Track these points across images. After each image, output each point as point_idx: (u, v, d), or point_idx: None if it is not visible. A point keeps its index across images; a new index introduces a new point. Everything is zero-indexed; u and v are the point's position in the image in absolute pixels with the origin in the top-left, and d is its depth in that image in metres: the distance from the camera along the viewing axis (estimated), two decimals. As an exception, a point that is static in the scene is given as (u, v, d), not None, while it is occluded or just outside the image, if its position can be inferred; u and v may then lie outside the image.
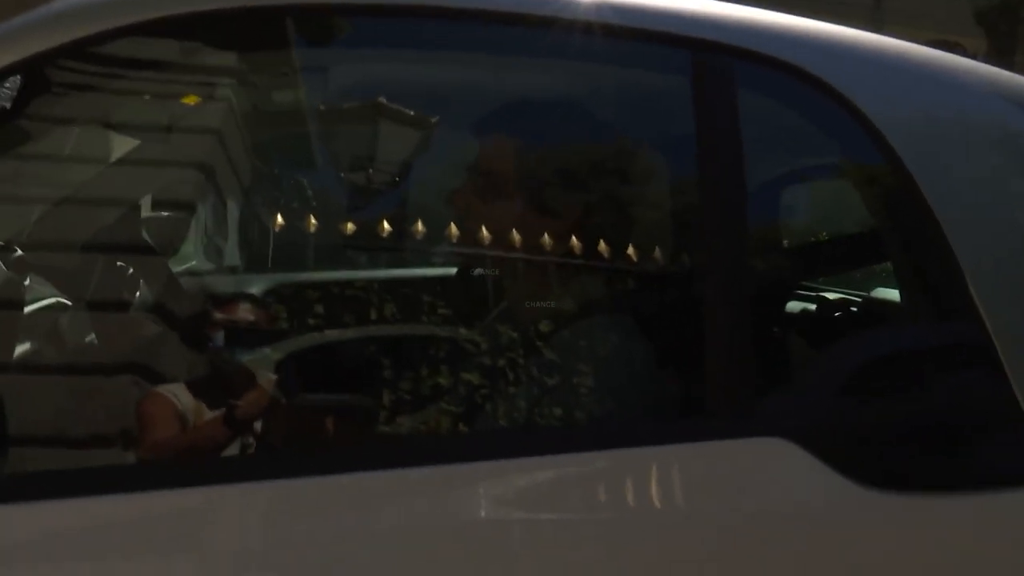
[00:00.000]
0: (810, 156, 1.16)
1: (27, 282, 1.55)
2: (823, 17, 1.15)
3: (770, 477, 0.90)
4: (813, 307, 1.87)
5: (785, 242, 1.69)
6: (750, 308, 0.93)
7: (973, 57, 1.34)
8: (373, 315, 2.24)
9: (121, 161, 1.95)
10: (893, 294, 1.89)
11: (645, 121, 1.30)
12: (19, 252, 1.58)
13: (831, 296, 2.02)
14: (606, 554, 0.87)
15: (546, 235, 1.21)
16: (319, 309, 2.27)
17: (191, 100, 1.96)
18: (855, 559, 0.92)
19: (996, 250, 1.06)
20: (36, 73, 0.96)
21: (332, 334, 2.23)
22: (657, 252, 1.20)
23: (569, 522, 0.89)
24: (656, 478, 0.90)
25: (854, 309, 1.94)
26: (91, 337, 1.51)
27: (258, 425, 1.68)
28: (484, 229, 1.22)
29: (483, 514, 0.90)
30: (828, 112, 1.05)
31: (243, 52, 1.26)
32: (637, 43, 1.00)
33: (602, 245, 1.24)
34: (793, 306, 1.84)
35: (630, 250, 1.22)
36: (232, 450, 1.67)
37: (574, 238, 1.22)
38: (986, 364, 0.99)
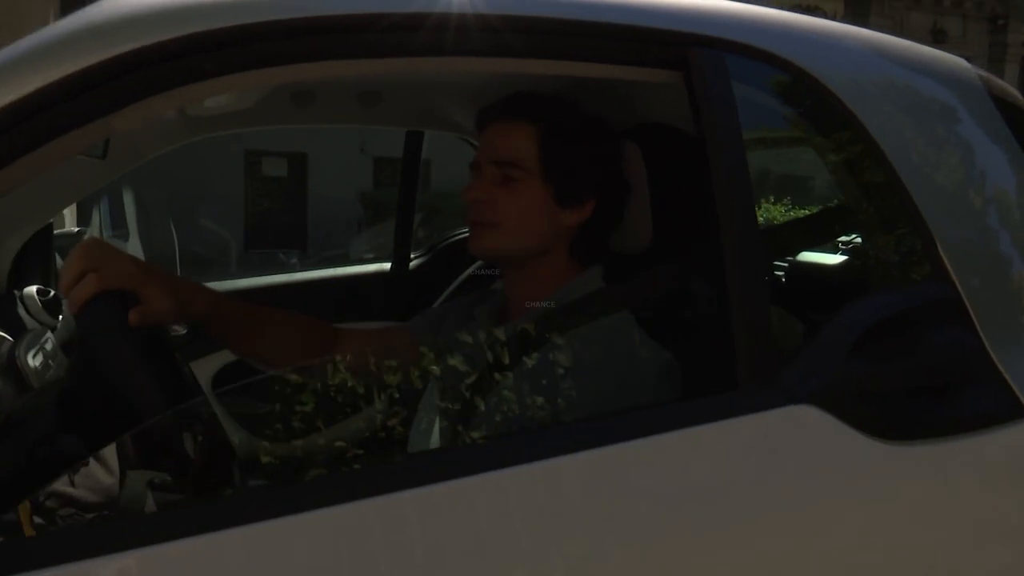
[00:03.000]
0: (785, 132, 1.23)
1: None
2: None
3: (802, 440, 0.98)
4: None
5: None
6: (767, 283, 0.99)
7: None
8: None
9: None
10: (820, 257, 2.03)
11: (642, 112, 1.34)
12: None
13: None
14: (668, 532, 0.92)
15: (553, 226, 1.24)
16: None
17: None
18: (874, 505, 1.01)
19: (959, 211, 1.17)
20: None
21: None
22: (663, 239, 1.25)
23: (624, 510, 0.93)
24: (704, 454, 0.95)
25: (780, 274, 2.07)
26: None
27: None
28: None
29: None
30: (797, 89, 1.13)
31: None
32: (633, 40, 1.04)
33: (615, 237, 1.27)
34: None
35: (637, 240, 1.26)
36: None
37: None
38: (959, 318, 1.10)
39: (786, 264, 2.11)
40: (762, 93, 1.13)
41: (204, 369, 2.14)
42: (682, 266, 1.18)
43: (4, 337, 1.47)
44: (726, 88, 1.02)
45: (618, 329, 1.18)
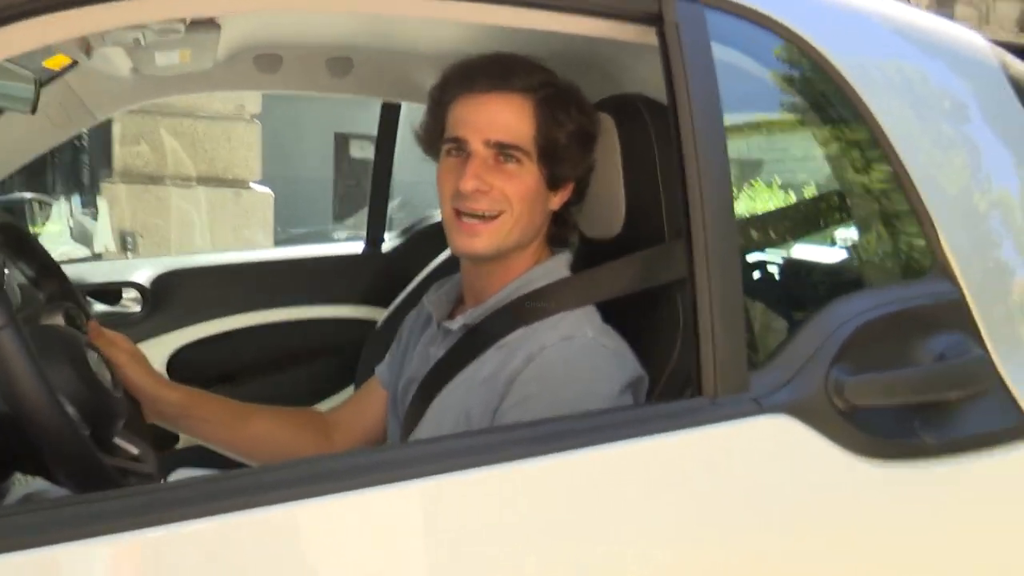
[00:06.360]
0: (776, 110, 1.10)
1: None
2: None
3: (775, 454, 0.85)
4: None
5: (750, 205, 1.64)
6: (740, 280, 0.86)
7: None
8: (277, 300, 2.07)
9: None
10: (820, 252, 1.89)
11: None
12: None
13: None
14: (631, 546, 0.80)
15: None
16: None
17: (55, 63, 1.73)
18: (854, 529, 0.88)
19: (963, 204, 1.04)
20: None
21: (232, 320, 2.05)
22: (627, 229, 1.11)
23: (587, 517, 0.81)
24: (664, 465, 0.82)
25: (773, 269, 1.94)
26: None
27: None
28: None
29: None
30: (796, 64, 1.00)
31: None
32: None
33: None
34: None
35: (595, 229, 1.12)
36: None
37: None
38: (963, 324, 0.97)
39: (781, 258, 1.97)
40: (749, 60, 0.99)
41: (159, 351, 2.02)
42: (651, 256, 1.06)
43: None
44: (703, 50, 0.89)
45: (575, 334, 1.04)
